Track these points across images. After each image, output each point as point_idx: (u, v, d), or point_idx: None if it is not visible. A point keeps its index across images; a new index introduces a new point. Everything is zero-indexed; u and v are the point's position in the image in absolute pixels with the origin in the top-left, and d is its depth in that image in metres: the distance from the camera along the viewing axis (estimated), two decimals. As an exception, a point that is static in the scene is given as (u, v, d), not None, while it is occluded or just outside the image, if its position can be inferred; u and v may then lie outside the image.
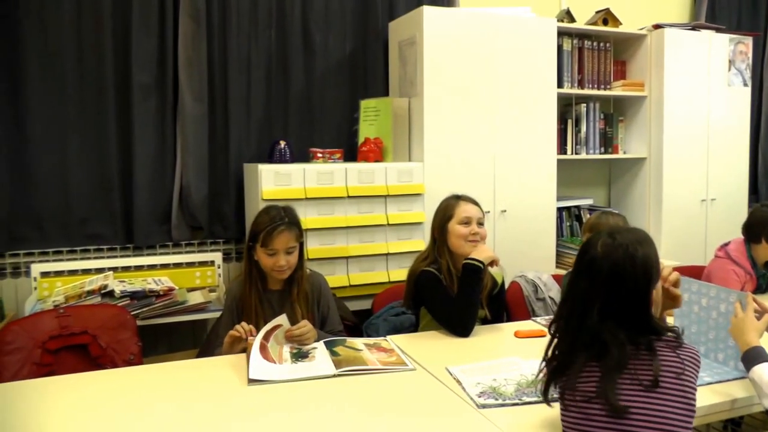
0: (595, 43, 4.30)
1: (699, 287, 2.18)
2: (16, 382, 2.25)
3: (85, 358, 2.71)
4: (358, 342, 2.39)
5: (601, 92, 4.33)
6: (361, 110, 3.84)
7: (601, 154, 4.43)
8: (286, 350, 2.28)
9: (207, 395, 1.97)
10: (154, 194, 3.61)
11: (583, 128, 4.33)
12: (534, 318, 2.89)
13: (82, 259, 3.52)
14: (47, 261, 3.44)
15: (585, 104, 4.33)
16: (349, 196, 3.39)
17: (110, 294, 3.07)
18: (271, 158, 3.52)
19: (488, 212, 3.66)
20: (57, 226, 3.46)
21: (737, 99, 4.57)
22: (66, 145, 3.44)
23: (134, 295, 3.09)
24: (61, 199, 3.45)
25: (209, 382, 2.08)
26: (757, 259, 3.11)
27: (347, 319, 2.92)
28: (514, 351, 2.29)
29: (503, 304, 2.85)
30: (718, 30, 4.53)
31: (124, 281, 3.26)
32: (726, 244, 3.21)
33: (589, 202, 4.44)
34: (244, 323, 2.33)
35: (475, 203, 2.70)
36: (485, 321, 2.66)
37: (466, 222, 2.62)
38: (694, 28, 4.46)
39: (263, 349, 2.18)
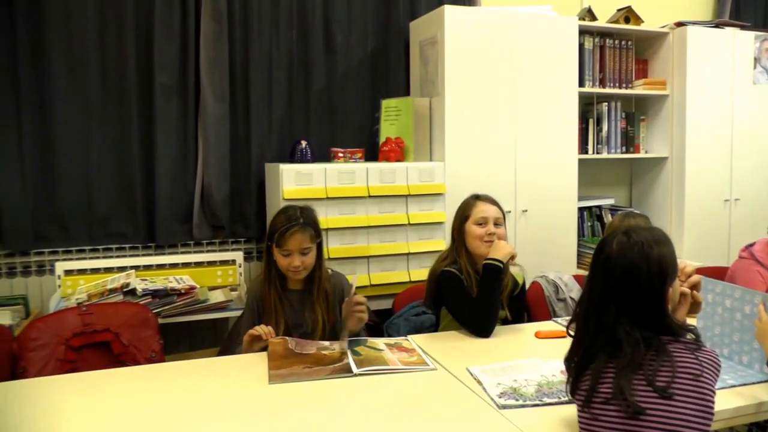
0: (616, 42, 4.27)
1: (723, 288, 2.16)
2: (41, 378, 2.28)
3: (108, 355, 2.73)
4: (380, 342, 2.39)
5: (623, 91, 4.29)
6: (382, 110, 3.84)
7: (622, 153, 4.39)
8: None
9: (228, 393, 1.98)
10: (175, 194, 3.64)
11: (605, 127, 4.30)
12: (555, 319, 2.88)
13: (104, 257, 3.56)
14: (71, 259, 3.49)
15: (606, 103, 4.30)
16: (370, 196, 3.40)
17: (132, 292, 3.10)
18: (292, 158, 3.53)
19: (509, 212, 3.65)
20: (80, 226, 3.50)
21: (763, 97, 4.50)
22: (89, 145, 3.48)
23: (156, 294, 3.11)
24: (84, 198, 3.49)
25: (230, 379, 2.09)
26: (782, 259, 3.06)
27: (369, 318, 2.92)
28: (535, 352, 2.28)
29: (524, 305, 2.84)
30: (742, 27, 4.47)
31: (145, 280, 3.29)
32: (751, 245, 3.16)
33: (610, 202, 4.41)
34: (263, 325, 2.34)
35: (494, 203, 2.69)
36: (506, 321, 2.66)
37: (482, 222, 2.61)
38: (717, 26, 4.40)
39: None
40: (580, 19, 4.03)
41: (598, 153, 4.30)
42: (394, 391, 1.97)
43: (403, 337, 2.50)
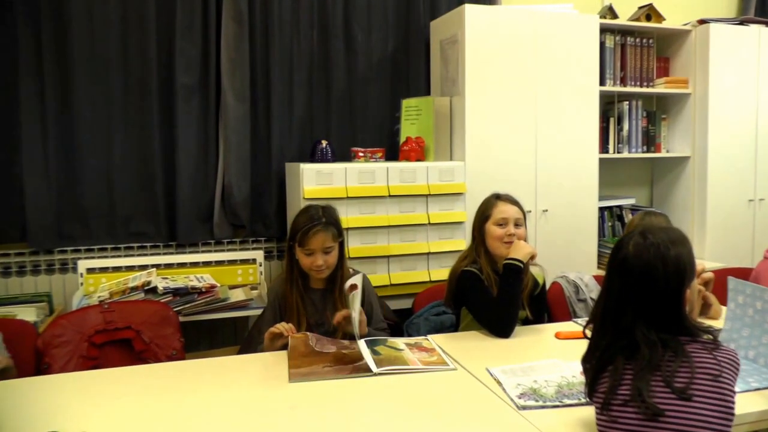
0: (637, 40, 4.23)
1: (753, 290, 2.12)
2: (64, 374, 2.31)
3: (129, 352, 2.75)
4: (400, 342, 2.39)
5: (644, 90, 4.26)
6: (402, 109, 3.84)
7: (643, 152, 4.36)
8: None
9: (248, 391, 1.99)
10: (196, 193, 3.66)
11: (626, 126, 4.27)
12: (575, 319, 2.86)
13: (126, 256, 3.59)
14: (93, 258, 3.52)
15: (627, 102, 4.27)
16: (390, 196, 3.40)
17: (153, 290, 3.13)
18: (312, 157, 3.54)
19: (530, 212, 3.63)
20: (103, 224, 3.54)
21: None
22: (111, 145, 3.52)
23: (177, 292, 3.14)
24: (106, 198, 3.53)
25: (250, 378, 2.11)
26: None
27: (388, 318, 2.92)
28: (555, 352, 2.26)
29: (544, 305, 2.82)
30: (768, 24, 4.42)
31: (166, 278, 3.32)
32: (775, 245, 3.13)
33: (631, 201, 4.38)
34: (284, 323, 2.35)
35: (515, 203, 2.67)
36: (526, 322, 2.65)
37: (502, 223, 2.60)
38: (742, 23, 4.35)
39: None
40: (601, 17, 4.01)
41: (619, 152, 4.27)
42: (413, 391, 1.97)
43: (423, 337, 2.50)
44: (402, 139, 3.76)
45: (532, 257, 2.56)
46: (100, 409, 1.86)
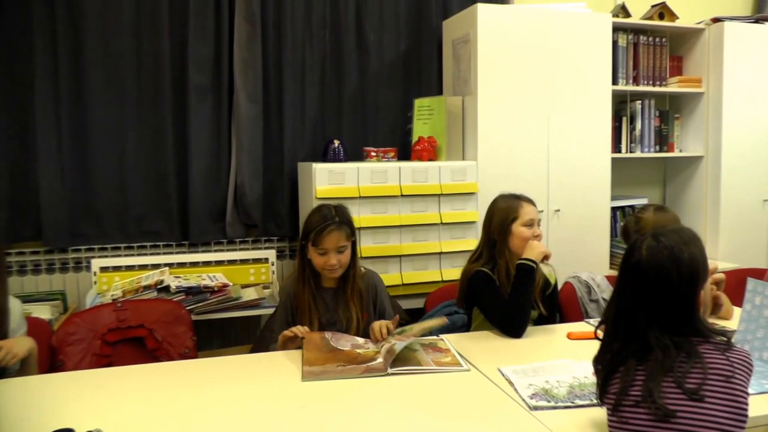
0: (650, 39, 4.22)
1: None
2: (78, 371, 2.35)
3: (142, 350, 2.78)
4: (415, 342, 2.38)
5: (657, 89, 4.24)
6: (414, 109, 3.84)
7: (656, 152, 4.34)
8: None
9: (260, 389, 1.99)
10: (209, 192, 3.68)
11: (638, 126, 4.25)
12: (587, 320, 2.85)
13: (139, 255, 3.62)
14: (106, 256, 3.55)
15: (640, 101, 4.25)
16: (402, 195, 3.40)
17: (166, 289, 3.15)
18: (325, 157, 3.54)
19: (541, 212, 3.63)
20: (116, 224, 3.57)
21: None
22: (125, 145, 3.54)
23: (189, 291, 3.16)
24: (120, 197, 3.56)
25: (263, 376, 2.11)
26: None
27: (400, 317, 2.92)
28: (567, 353, 2.25)
29: (556, 305, 2.82)
30: (784, 22, 4.38)
31: (179, 277, 3.34)
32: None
33: (643, 201, 4.35)
34: (299, 326, 2.35)
35: (534, 204, 2.68)
36: (538, 321, 2.64)
37: (530, 224, 2.59)
38: (757, 21, 4.31)
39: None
40: (613, 15, 3.99)
41: (631, 152, 4.25)
42: (425, 391, 1.97)
43: (438, 337, 2.49)
44: (414, 138, 3.76)
45: (546, 257, 2.55)
46: (113, 406, 1.87)
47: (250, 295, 3.34)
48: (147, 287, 3.16)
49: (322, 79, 3.85)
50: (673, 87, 4.29)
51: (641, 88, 4.19)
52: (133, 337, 2.79)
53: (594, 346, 1.63)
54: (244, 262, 3.72)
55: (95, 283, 3.45)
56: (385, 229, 3.39)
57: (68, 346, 2.64)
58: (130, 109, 3.53)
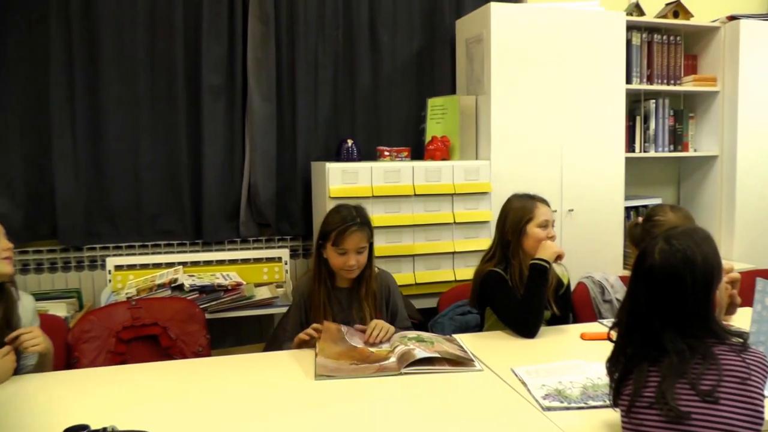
0: (664, 37, 4.19)
1: None
2: (93, 368, 2.37)
3: (156, 348, 2.79)
4: (433, 338, 2.38)
5: (671, 88, 4.21)
6: (428, 108, 3.84)
7: (670, 152, 4.31)
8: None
9: (273, 388, 2.00)
10: (222, 192, 3.70)
11: (652, 125, 4.23)
12: (600, 320, 2.84)
13: (153, 253, 3.64)
14: (121, 255, 3.58)
15: (654, 100, 4.23)
16: (415, 195, 3.40)
17: (180, 288, 3.17)
18: (338, 156, 3.55)
19: (555, 211, 3.59)
20: (130, 223, 3.59)
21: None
22: (139, 144, 3.56)
23: (203, 290, 3.17)
24: (134, 196, 3.58)
25: (276, 374, 2.12)
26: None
27: (413, 317, 2.92)
28: (580, 353, 2.25)
29: (569, 305, 2.81)
30: (801, 20, 4.34)
31: (193, 276, 3.36)
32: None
33: (657, 201, 4.32)
34: (316, 325, 2.35)
35: (548, 204, 2.67)
36: (551, 322, 2.64)
37: (545, 225, 2.59)
38: (773, 19, 4.29)
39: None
40: (627, 14, 3.97)
41: (645, 151, 4.23)
42: (438, 391, 1.97)
43: (451, 336, 2.49)
44: (427, 138, 3.76)
45: (559, 257, 2.54)
46: (127, 402, 1.89)
47: (263, 294, 3.35)
48: (161, 286, 3.18)
49: (336, 79, 3.85)
50: (687, 86, 4.26)
51: (655, 87, 4.16)
52: (147, 335, 2.81)
53: (607, 347, 1.62)
54: (257, 261, 3.73)
55: (110, 281, 3.47)
56: (398, 228, 3.39)
57: (83, 344, 2.65)
58: (144, 109, 3.55)
